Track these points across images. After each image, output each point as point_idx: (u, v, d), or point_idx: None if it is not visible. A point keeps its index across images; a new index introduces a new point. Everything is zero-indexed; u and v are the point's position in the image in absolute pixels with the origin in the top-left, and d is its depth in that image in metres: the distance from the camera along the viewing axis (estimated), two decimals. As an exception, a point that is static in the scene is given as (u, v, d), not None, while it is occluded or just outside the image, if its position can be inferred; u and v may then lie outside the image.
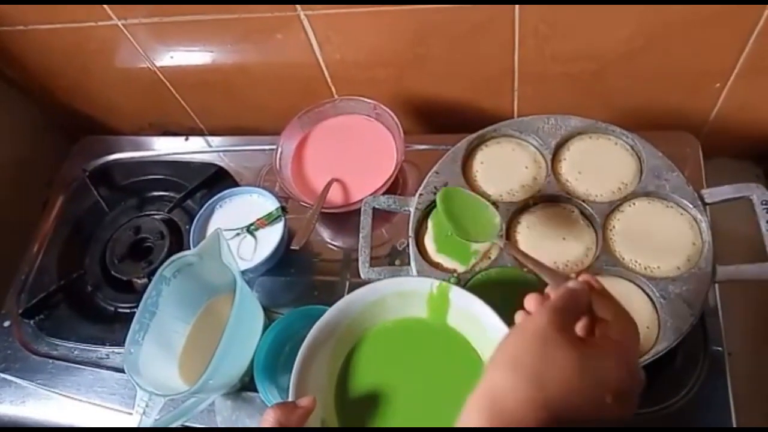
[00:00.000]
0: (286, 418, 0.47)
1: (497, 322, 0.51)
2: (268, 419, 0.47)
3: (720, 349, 0.60)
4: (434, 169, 0.66)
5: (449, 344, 0.56)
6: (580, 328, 0.42)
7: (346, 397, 0.55)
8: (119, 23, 0.76)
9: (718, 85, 0.70)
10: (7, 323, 0.79)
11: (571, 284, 0.42)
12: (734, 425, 0.57)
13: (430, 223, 0.64)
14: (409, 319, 0.57)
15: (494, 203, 0.63)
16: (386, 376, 0.55)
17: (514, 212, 0.63)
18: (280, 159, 0.76)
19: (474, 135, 0.68)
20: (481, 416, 0.36)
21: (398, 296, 0.57)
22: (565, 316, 0.39)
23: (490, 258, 0.61)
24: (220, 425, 0.65)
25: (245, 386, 0.65)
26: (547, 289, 0.45)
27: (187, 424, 0.64)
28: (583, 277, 0.43)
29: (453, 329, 0.56)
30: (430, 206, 0.64)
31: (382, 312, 0.57)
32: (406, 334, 0.57)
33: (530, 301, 0.43)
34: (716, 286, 0.61)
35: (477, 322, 0.53)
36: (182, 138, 0.90)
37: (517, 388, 0.37)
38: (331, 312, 0.55)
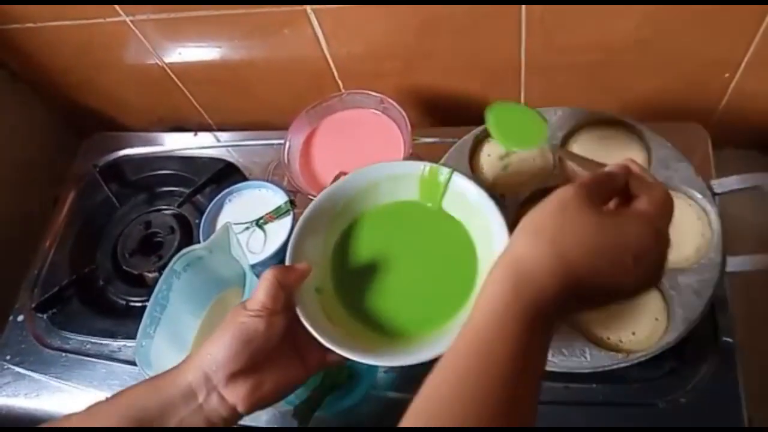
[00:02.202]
0: (283, 277, 0.49)
1: (491, 206, 0.53)
2: (267, 276, 0.48)
3: (730, 340, 0.60)
4: (441, 161, 0.66)
5: (442, 225, 0.57)
6: (612, 204, 0.42)
7: (341, 270, 0.56)
8: (127, 20, 0.76)
9: (727, 75, 0.69)
10: (20, 317, 0.80)
11: (608, 168, 0.42)
12: (745, 418, 0.56)
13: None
14: (403, 201, 0.59)
15: (501, 195, 0.63)
16: (380, 252, 0.57)
17: (522, 204, 0.63)
18: (288, 153, 0.76)
19: (481, 127, 0.68)
20: (506, 282, 0.37)
21: (391, 180, 0.58)
22: (592, 190, 0.39)
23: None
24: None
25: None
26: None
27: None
28: (623, 161, 0.43)
29: (447, 212, 0.58)
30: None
31: (375, 195, 0.59)
32: (400, 214, 0.59)
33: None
34: (726, 277, 0.60)
35: (471, 206, 0.55)
36: (191, 133, 0.90)
37: (537, 251, 0.37)
38: (324, 194, 0.57)
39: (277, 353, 0.49)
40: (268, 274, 0.49)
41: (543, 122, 0.59)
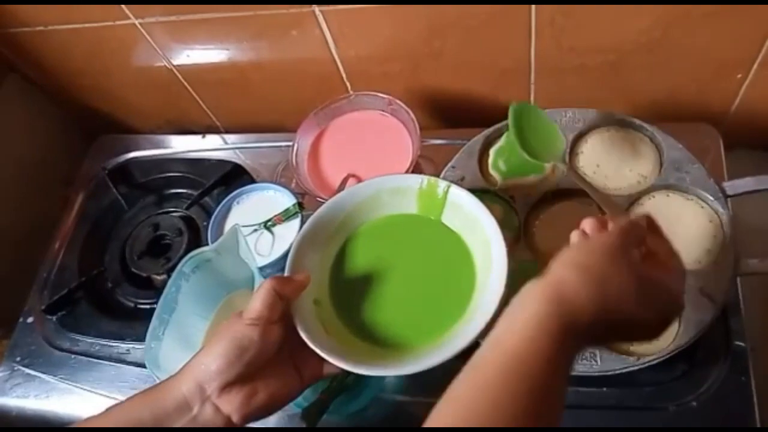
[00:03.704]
0: (281, 287, 0.49)
1: (488, 218, 0.53)
2: (265, 286, 0.48)
3: (742, 344, 0.59)
4: (450, 163, 0.66)
5: (441, 238, 0.57)
6: (635, 255, 0.44)
7: (339, 282, 0.57)
8: (136, 22, 0.76)
9: (739, 75, 0.69)
10: (30, 319, 0.80)
11: (633, 217, 0.47)
12: (757, 423, 0.56)
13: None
14: (402, 214, 0.59)
15: (512, 197, 0.63)
16: (378, 265, 0.57)
17: (532, 206, 0.62)
18: (296, 155, 0.76)
19: (490, 129, 0.67)
20: (550, 304, 0.39)
21: (390, 193, 0.59)
22: (629, 240, 0.43)
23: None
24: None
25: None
26: (607, 217, 0.49)
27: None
28: (642, 214, 0.47)
29: (445, 225, 0.58)
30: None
31: (375, 208, 0.59)
32: (398, 227, 0.59)
33: (588, 222, 0.46)
34: (738, 279, 0.59)
35: (468, 218, 0.55)
36: (199, 136, 0.90)
37: (583, 286, 0.39)
38: (324, 208, 0.58)
39: (273, 364, 0.48)
40: (267, 284, 0.48)
41: (561, 140, 0.60)
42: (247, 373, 0.47)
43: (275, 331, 0.48)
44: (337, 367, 0.50)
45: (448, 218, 0.58)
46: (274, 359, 0.48)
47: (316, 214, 0.58)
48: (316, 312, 0.53)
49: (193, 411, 0.46)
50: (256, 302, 0.48)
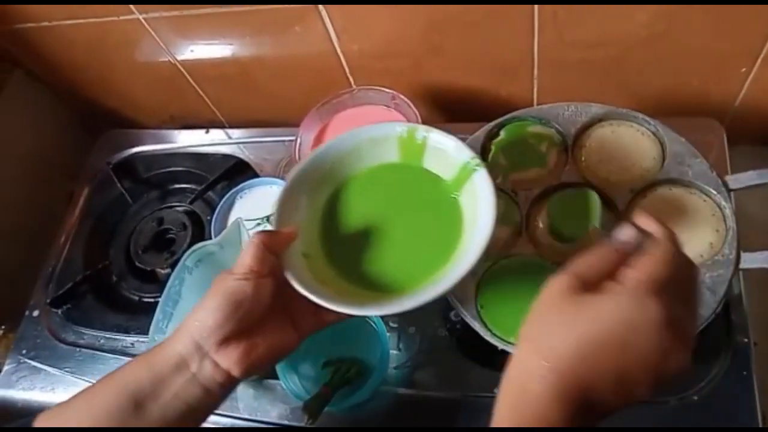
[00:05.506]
0: (269, 241, 0.48)
1: (470, 155, 0.53)
2: (253, 240, 0.48)
3: (745, 339, 0.59)
4: (452, 158, 0.66)
5: (425, 183, 0.57)
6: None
7: (327, 233, 0.57)
8: (140, 17, 0.77)
9: (743, 69, 0.68)
10: (36, 313, 0.81)
11: (601, 248, 0.38)
12: (759, 417, 0.56)
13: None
14: (386, 164, 0.59)
15: (513, 191, 0.63)
16: (366, 214, 0.57)
17: (534, 200, 0.62)
18: (299, 150, 0.76)
19: (492, 123, 0.67)
20: (506, 409, 0.37)
21: (372, 143, 0.58)
22: (580, 278, 0.37)
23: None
24: (242, 412, 0.66)
25: (267, 374, 0.66)
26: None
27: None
28: (626, 235, 0.38)
29: (428, 170, 0.58)
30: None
31: (358, 160, 0.59)
32: (383, 177, 0.59)
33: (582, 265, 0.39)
34: (741, 274, 0.59)
35: (451, 160, 0.55)
36: (203, 131, 0.91)
37: (528, 363, 0.36)
38: (305, 162, 0.57)
39: (269, 318, 0.48)
40: (254, 239, 0.48)
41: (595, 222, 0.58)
42: (242, 327, 0.46)
43: (267, 285, 0.47)
44: (332, 316, 0.50)
45: (431, 163, 0.58)
46: (268, 313, 0.48)
47: (297, 168, 0.57)
48: (307, 264, 0.53)
49: (191, 369, 0.46)
50: (246, 257, 0.47)
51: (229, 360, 0.46)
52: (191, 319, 0.47)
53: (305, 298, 0.48)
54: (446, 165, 0.56)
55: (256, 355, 0.47)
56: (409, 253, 0.54)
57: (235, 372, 0.46)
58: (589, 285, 0.37)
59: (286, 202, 0.55)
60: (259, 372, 0.49)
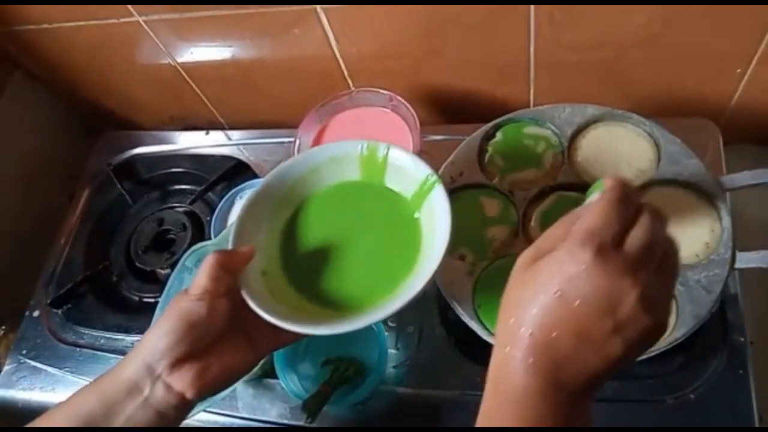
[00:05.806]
0: (225, 260, 0.48)
1: (428, 173, 0.54)
2: (208, 260, 0.48)
3: (742, 338, 0.59)
4: (450, 159, 0.66)
5: (385, 201, 0.58)
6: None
7: (287, 252, 0.57)
8: (140, 20, 0.77)
9: (739, 70, 0.69)
10: (36, 313, 0.81)
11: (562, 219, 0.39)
12: (755, 416, 0.56)
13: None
14: (347, 182, 0.59)
15: (510, 191, 0.63)
16: (326, 232, 0.57)
17: (530, 201, 0.63)
18: (298, 151, 0.76)
19: (489, 124, 0.68)
20: (488, 383, 0.38)
21: (332, 162, 0.59)
22: (540, 250, 0.37)
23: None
24: (241, 411, 0.66)
25: (266, 373, 0.66)
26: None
27: (209, 410, 0.65)
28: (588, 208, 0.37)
29: (389, 188, 0.58)
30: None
31: (319, 178, 0.59)
32: (343, 195, 0.59)
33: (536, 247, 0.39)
34: (737, 273, 0.60)
35: (409, 178, 0.55)
36: (203, 132, 0.91)
37: (498, 340, 0.38)
38: (266, 180, 0.57)
39: (225, 337, 0.48)
40: (209, 259, 0.48)
41: None
42: (197, 348, 0.46)
43: (223, 305, 0.47)
44: (289, 336, 0.50)
45: (392, 181, 0.58)
46: (225, 333, 0.48)
47: (258, 187, 0.57)
48: (265, 282, 0.53)
49: (144, 393, 0.45)
50: (200, 277, 0.47)
51: (183, 382, 0.45)
52: (144, 341, 0.46)
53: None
54: (406, 182, 0.57)
55: (210, 377, 0.46)
56: (367, 270, 0.54)
57: (189, 394, 0.45)
58: (545, 252, 0.37)
59: (244, 222, 0.55)
60: (215, 393, 0.48)
